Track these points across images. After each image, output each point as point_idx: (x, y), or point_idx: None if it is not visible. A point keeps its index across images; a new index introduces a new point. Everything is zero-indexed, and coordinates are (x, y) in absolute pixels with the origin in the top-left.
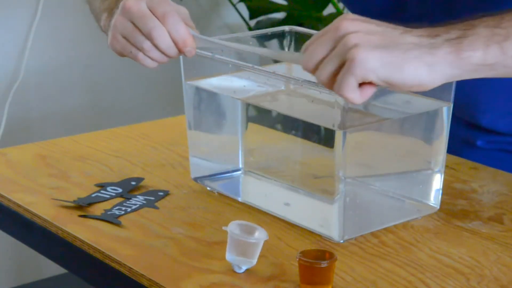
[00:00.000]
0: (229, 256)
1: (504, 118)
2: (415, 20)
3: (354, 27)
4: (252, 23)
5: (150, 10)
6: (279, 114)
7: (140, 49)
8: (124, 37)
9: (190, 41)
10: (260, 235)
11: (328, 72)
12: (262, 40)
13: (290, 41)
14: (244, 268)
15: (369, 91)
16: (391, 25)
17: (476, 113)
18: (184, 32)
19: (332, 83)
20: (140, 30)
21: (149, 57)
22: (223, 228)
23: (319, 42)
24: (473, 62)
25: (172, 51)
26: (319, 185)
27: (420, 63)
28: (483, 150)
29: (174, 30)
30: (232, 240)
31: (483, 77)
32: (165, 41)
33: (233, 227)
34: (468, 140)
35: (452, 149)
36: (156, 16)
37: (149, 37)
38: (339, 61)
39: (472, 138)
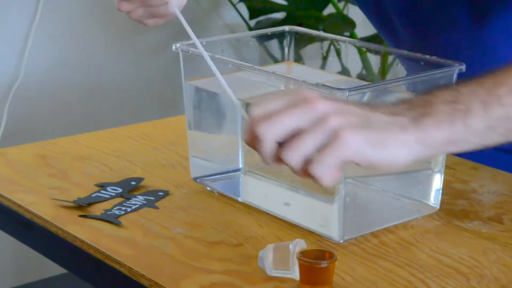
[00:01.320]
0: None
1: None
2: (428, 15)
3: (331, 108)
4: (252, 23)
5: None
6: None
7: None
8: None
9: None
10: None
11: (305, 152)
12: (262, 40)
13: (290, 41)
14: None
15: (339, 174)
16: (354, 102)
17: None
18: None
19: (302, 163)
20: None
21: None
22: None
23: (288, 114)
24: (439, 141)
25: None
26: (319, 185)
27: (399, 143)
28: (481, 150)
29: None
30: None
31: (448, 153)
32: None
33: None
34: None
35: None
36: None
37: None
38: (320, 141)
39: None
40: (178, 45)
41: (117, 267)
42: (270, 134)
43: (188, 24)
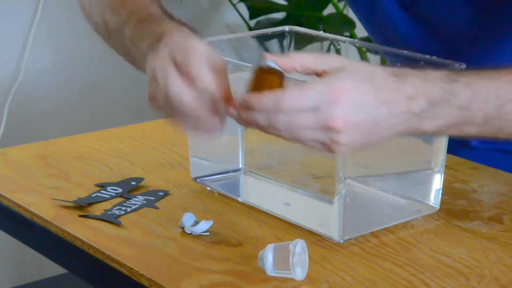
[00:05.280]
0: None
1: None
2: (442, 46)
3: (346, 127)
4: (252, 23)
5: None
6: None
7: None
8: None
9: (215, 88)
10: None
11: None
12: (262, 40)
13: (290, 41)
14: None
15: None
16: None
17: None
18: (208, 78)
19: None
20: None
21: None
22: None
23: (301, 115)
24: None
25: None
26: (319, 185)
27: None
28: (478, 150)
29: (198, 76)
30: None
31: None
32: (184, 96)
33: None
34: (463, 140)
35: (448, 149)
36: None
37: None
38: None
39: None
40: None
41: (117, 267)
42: (281, 127)
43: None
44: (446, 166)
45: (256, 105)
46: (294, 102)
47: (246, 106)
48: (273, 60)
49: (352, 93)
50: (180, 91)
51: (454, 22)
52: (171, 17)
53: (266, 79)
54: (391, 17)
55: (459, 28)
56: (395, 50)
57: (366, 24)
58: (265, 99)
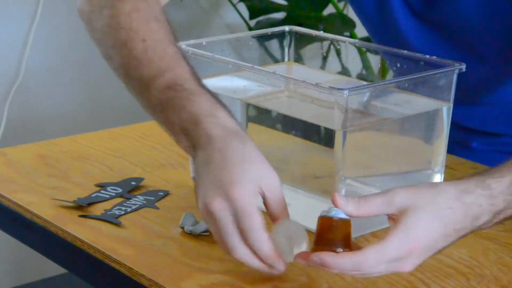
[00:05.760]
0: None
1: (497, 119)
2: (455, 54)
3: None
4: (252, 23)
5: (235, 217)
6: (279, 114)
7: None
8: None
9: (274, 258)
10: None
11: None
12: (262, 40)
13: (290, 41)
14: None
15: None
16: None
17: (468, 116)
18: (268, 251)
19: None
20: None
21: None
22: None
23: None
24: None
25: (257, 264)
26: (319, 185)
27: None
28: (478, 152)
29: (257, 249)
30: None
31: None
32: (249, 260)
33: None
34: (463, 141)
35: (448, 149)
36: (240, 228)
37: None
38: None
39: (467, 140)
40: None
41: (116, 267)
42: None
43: (188, 24)
44: (446, 166)
45: (335, 266)
46: (374, 264)
47: (323, 265)
48: (339, 208)
49: (424, 240)
50: (267, 248)
51: (470, 29)
52: (199, 80)
53: (334, 227)
54: (401, 24)
55: (476, 36)
56: (395, 50)
57: (371, 28)
58: (345, 262)
